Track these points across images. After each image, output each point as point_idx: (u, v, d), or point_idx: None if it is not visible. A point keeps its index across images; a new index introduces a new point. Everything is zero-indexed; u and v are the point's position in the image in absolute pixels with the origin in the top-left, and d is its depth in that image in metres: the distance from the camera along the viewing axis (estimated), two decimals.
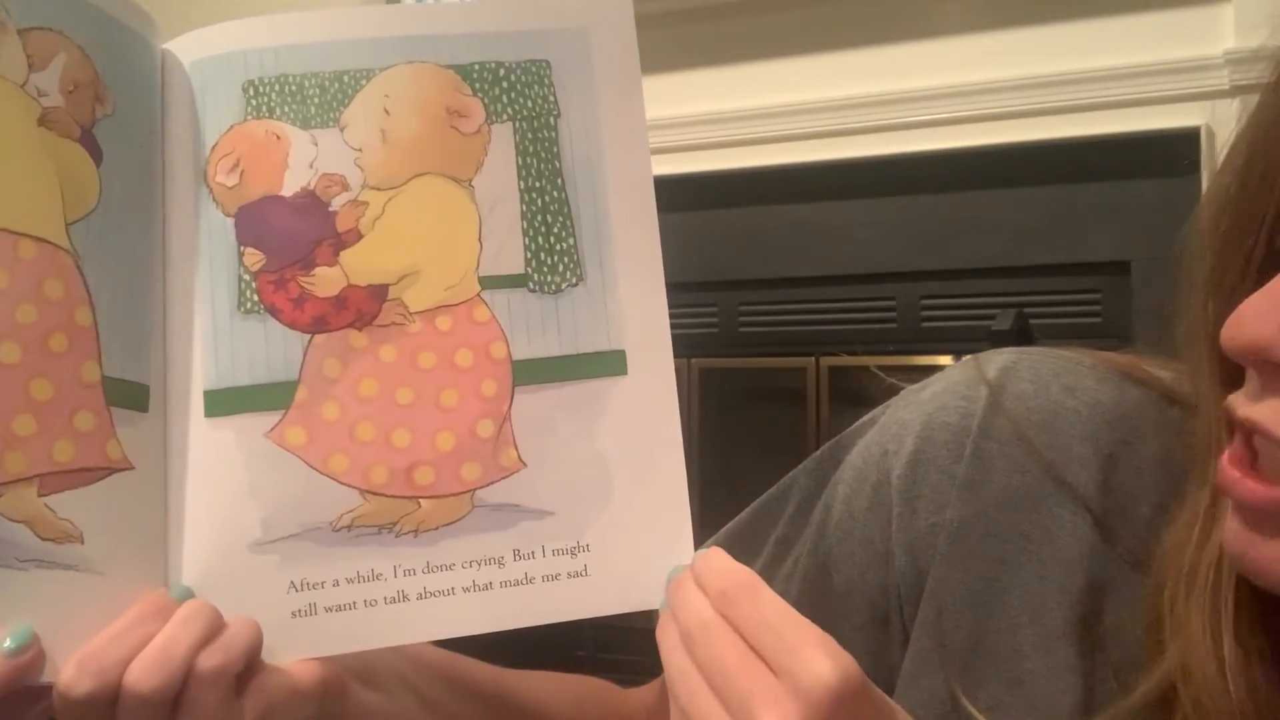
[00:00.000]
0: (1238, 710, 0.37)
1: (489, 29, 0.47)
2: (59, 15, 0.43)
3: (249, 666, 0.43)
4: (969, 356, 0.48)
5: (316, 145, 0.46)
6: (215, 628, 0.42)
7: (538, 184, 0.46)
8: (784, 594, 0.50)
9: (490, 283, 0.46)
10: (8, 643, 0.39)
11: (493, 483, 0.46)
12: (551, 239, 0.46)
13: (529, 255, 0.46)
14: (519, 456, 0.46)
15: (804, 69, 2.06)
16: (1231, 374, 0.39)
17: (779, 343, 2.11)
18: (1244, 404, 0.37)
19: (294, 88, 0.46)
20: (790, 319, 2.13)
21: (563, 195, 0.47)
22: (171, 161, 0.47)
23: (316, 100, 0.46)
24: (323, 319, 0.46)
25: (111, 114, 0.44)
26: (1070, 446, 0.44)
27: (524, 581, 0.45)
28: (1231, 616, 0.38)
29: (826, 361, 2.04)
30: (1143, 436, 0.44)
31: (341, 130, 0.46)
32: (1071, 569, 0.43)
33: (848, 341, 2.02)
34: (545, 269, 0.46)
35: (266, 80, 0.47)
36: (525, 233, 0.46)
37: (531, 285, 0.46)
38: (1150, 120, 1.83)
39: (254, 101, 0.47)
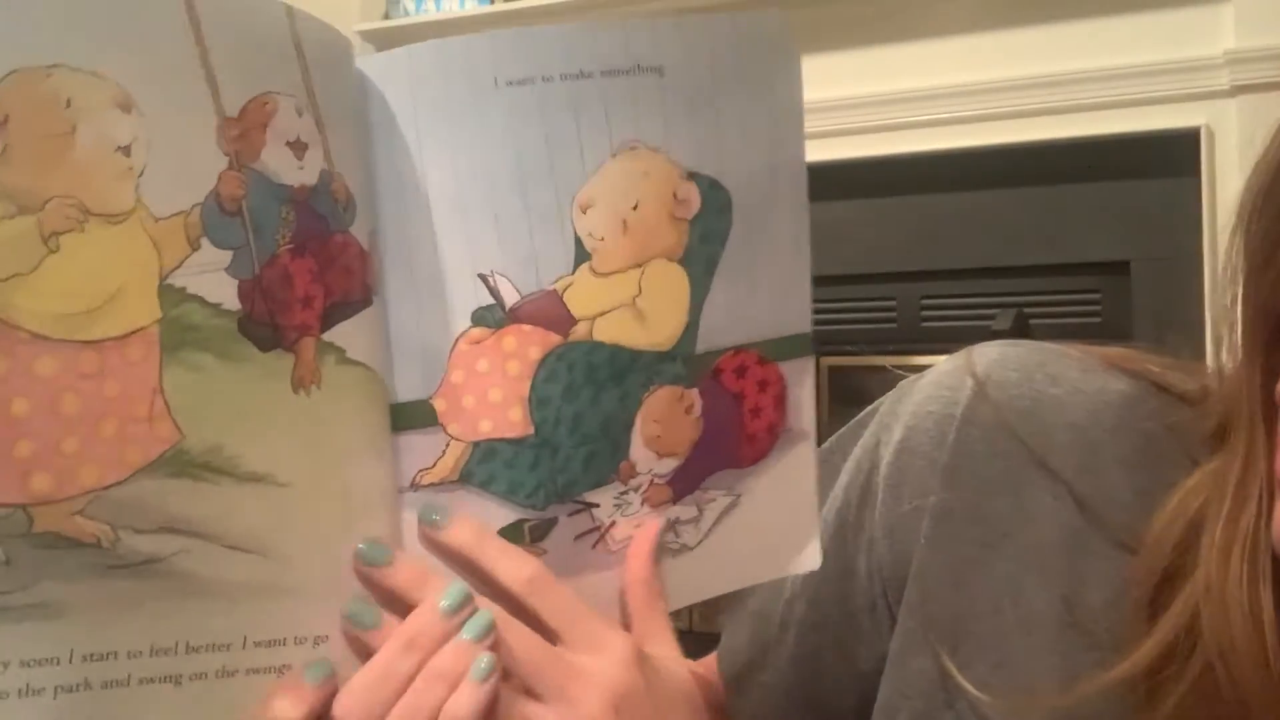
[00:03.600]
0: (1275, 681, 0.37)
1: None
2: None
3: None
4: (962, 350, 0.49)
5: None
6: None
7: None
8: (803, 584, 0.51)
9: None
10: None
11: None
12: None
13: None
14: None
15: (804, 69, 2.05)
16: (1270, 355, 0.39)
17: None
18: None
19: None
20: None
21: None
22: None
23: None
24: None
25: None
26: (1053, 433, 0.45)
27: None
28: (1270, 584, 0.38)
29: (826, 361, 2.04)
30: (1126, 423, 0.45)
31: None
32: (1052, 552, 0.44)
33: (848, 341, 2.02)
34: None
35: None
36: None
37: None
38: (1150, 120, 1.83)
39: None
